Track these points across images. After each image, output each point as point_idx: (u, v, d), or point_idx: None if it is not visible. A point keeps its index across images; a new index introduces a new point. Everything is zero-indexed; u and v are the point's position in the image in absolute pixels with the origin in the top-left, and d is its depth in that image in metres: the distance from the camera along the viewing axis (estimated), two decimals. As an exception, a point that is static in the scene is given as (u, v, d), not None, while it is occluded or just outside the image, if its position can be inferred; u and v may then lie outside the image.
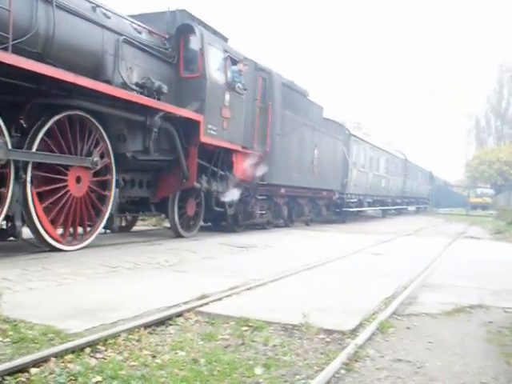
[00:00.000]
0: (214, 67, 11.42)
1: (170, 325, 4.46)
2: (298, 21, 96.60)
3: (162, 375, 3.27)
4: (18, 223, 7.54)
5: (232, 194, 12.78)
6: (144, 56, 10.09)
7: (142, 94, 9.40)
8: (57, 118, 8.05)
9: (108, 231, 10.13)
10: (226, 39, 12.60)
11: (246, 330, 4.40)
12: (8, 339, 3.70)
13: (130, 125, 9.57)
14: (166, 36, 10.93)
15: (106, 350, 3.67)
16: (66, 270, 6.57)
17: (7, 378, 3.04)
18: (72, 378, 3.14)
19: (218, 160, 12.49)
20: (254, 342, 4.13)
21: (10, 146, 7.21)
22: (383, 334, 4.51)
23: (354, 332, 4.46)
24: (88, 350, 3.61)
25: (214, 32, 11.96)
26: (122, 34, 9.31)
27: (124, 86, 9.20)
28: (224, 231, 13.67)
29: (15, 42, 7.08)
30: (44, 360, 3.31)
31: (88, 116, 8.60)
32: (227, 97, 11.91)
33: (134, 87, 9.37)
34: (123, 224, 13.43)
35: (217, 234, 13.10)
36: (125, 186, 10.25)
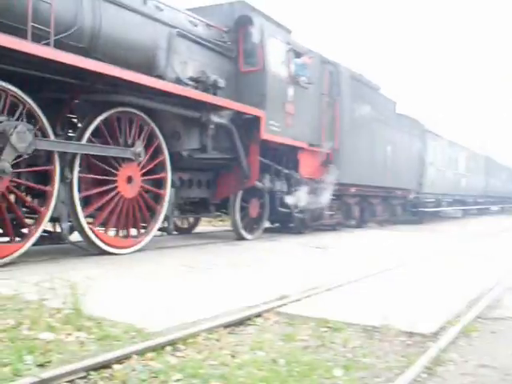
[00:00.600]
0: (276, 60, 10.84)
1: (250, 325, 4.46)
2: (366, 13, 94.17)
3: (241, 375, 3.25)
4: (65, 226, 7.24)
5: (297, 194, 12.14)
6: (200, 50, 9.64)
7: (196, 88, 8.94)
8: (105, 115, 7.71)
9: (164, 233, 9.70)
10: (289, 31, 11.98)
11: (325, 331, 4.33)
12: (92, 336, 3.78)
13: (185, 122, 9.14)
14: (225, 29, 10.44)
15: (186, 349, 3.69)
16: (145, 270, 6.71)
17: (92, 373, 3.13)
18: (153, 375, 3.18)
19: (282, 158, 11.88)
20: (333, 343, 4.05)
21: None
22: (467, 338, 4.31)
23: (435, 335, 4.28)
24: (169, 348, 3.65)
25: (277, 24, 11.37)
26: (175, 27, 8.90)
27: (177, 81, 8.77)
28: (290, 233, 13.05)
29: (58, 36, 6.78)
30: (126, 357, 3.37)
31: (139, 113, 8.22)
32: (290, 91, 11.30)
33: (187, 82, 8.92)
34: (184, 225, 13.13)
35: (284, 235, 12.52)
36: (182, 186, 9.86)
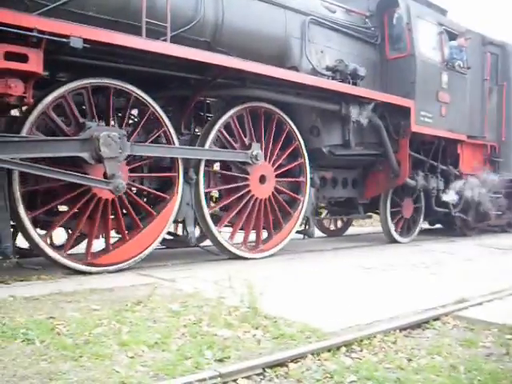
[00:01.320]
0: (426, 43, 9.72)
1: (427, 328, 4.31)
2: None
3: (417, 380, 3.17)
4: (191, 229, 6.93)
5: (457, 192, 10.85)
6: (339, 37, 8.90)
7: (333, 78, 8.23)
8: (233, 111, 7.31)
9: (304, 236, 9.07)
10: (443, 11, 10.77)
11: (510, 339, 4.01)
12: (268, 335, 3.85)
13: (324, 115, 8.45)
14: (367, 13, 9.59)
15: (361, 351, 3.65)
16: (315, 269, 6.66)
17: (268, 370, 3.20)
18: (327, 375, 3.17)
19: (438, 152, 10.68)
20: (519, 352, 3.73)
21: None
22: None
23: None
24: (343, 349, 3.62)
25: (427, 4, 10.24)
26: (309, 14, 8.26)
27: (313, 71, 8.12)
28: (451, 235, 11.77)
29: (178, 31, 6.49)
30: (301, 356, 3.40)
31: (271, 107, 7.71)
32: (444, 77, 10.10)
33: (324, 72, 8.23)
34: (333, 227, 12.42)
35: (447, 238, 11.43)
36: (325, 186, 9.20)
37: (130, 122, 7.24)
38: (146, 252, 6.46)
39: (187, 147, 6.90)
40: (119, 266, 6.20)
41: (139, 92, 6.30)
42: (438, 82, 9.95)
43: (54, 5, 5.52)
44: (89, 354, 3.24)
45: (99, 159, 5.81)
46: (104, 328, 3.78)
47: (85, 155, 5.74)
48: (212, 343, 3.52)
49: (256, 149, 7.48)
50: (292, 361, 3.33)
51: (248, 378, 3.07)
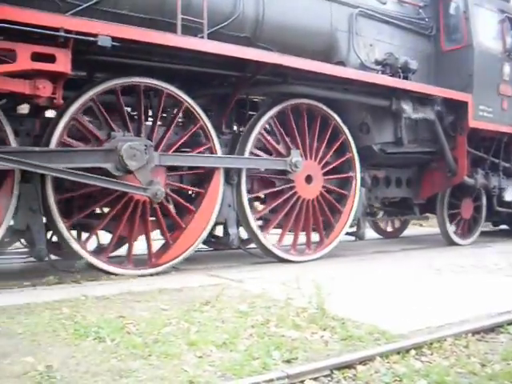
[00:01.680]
0: (485, 33, 9.17)
1: (501, 333, 4.15)
2: None
3: None
4: (233, 231, 6.73)
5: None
6: (390, 30, 8.50)
7: (383, 73, 7.84)
8: (275, 109, 7.07)
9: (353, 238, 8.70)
10: (507, -2, 10.16)
11: None
12: (336, 336, 3.80)
13: (374, 112, 8.06)
14: (421, 4, 9.13)
15: (431, 354, 3.56)
16: (391, 271, 6.51)
17: (336, 372, 3.15)
18: (397, 378, 3.12)
19: (500, 149, 10.05)
20: None
21: (218, 150, 6.51)
22: None
23: None
24: (413, 352, 3.54)
25: (490, -10, 9.65)
26: (357, 7, 7.92)
27: (361, 66, 7.77)
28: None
29: (216, 27, 6.29)
30: (370, 358, 3.34)
31: (316, 103, 7.42)
32: (506, 69, 9.49)
33: (373, 66, 7.85)
34: (389, 229, 11.96)
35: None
36: (377, 186, 8.81)
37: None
38: (187, 253, 6.36)
39: (220, 156, 6.60)
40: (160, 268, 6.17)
41: (174, 89, 6.15)
42: (498, 74, 9.36)
43: (86, 4, 5.44)
44: (158, 352, 3.29)
45: (126, 170, 5.69)
46: (173, 328, 3.84)
47: (109, 166, 5.63)
48: (280, 344, 3.51)
49: (295, 156, 7.15)
50: (360, 363, 3.28)
51: (315, 379, 3.06)
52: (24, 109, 5.83)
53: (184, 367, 3.08)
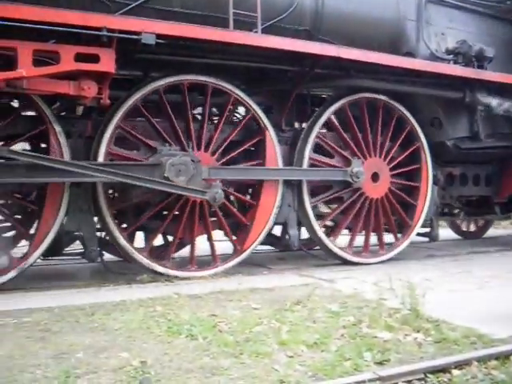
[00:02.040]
0: None
1: None
2: None
3: None
4: (292, 232, 6.50)
5: None
6: (464, 16, 7.92)
7: (455, 62, 7.33)
8: (336, 105, 6.77)
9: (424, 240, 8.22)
10: None
11: None
12: (430, 338, 3.71)
13: (446, 105, 7.57)
14: (501, -15, 8.49)
15: None
16: (488, 273, 6.25)
17: (429, 375, 3.06)
18: None
19: None
20: None
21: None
22: None
23: None
24: None
25: None
26: (426, -8, 7.43)
27: (432, 56, 7.30)
28: None
29: (272, 21, 6.05)
30: (466, 363, 3.23)
31: (379, 96, 7.05)
32: None
33: (444, 56, 7.36)
34: (471, 229, 11.24)
35: None
36: (453, 184, 8.29)
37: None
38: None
39: (276, 168, 6.38)
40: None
41: (239, 93, 6.09)
42: None
43: (136, 3, 5.35)
44: (249, 351, 3.33)
45: None
46: (264, 327, 3.87)
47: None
48: (372, 345, 3.46)
49: (356, 166, 6.80)
50: (456, 367, 3.16)
51: (408, 382, 2.99)
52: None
53: (275, 366, 3.11)
